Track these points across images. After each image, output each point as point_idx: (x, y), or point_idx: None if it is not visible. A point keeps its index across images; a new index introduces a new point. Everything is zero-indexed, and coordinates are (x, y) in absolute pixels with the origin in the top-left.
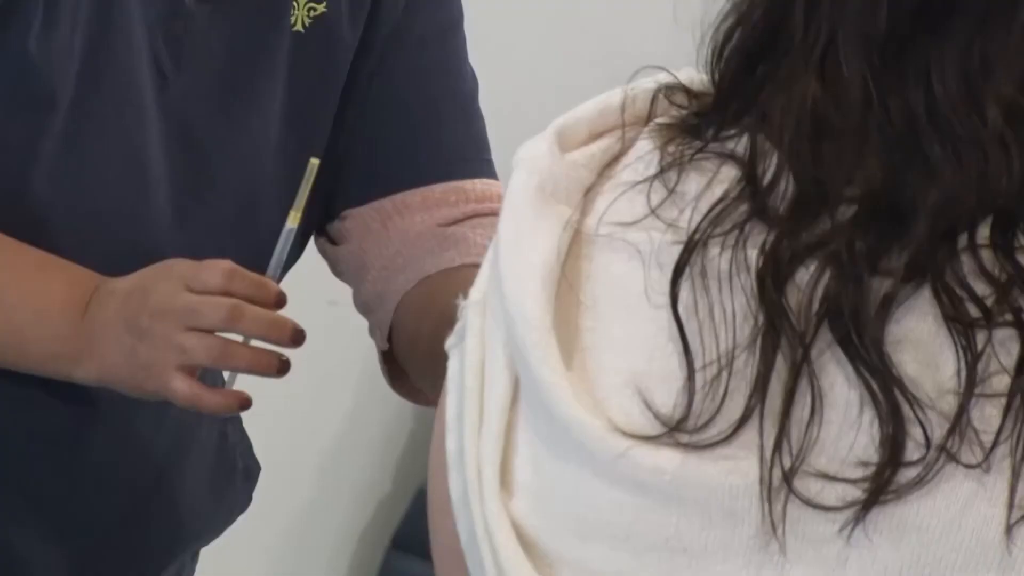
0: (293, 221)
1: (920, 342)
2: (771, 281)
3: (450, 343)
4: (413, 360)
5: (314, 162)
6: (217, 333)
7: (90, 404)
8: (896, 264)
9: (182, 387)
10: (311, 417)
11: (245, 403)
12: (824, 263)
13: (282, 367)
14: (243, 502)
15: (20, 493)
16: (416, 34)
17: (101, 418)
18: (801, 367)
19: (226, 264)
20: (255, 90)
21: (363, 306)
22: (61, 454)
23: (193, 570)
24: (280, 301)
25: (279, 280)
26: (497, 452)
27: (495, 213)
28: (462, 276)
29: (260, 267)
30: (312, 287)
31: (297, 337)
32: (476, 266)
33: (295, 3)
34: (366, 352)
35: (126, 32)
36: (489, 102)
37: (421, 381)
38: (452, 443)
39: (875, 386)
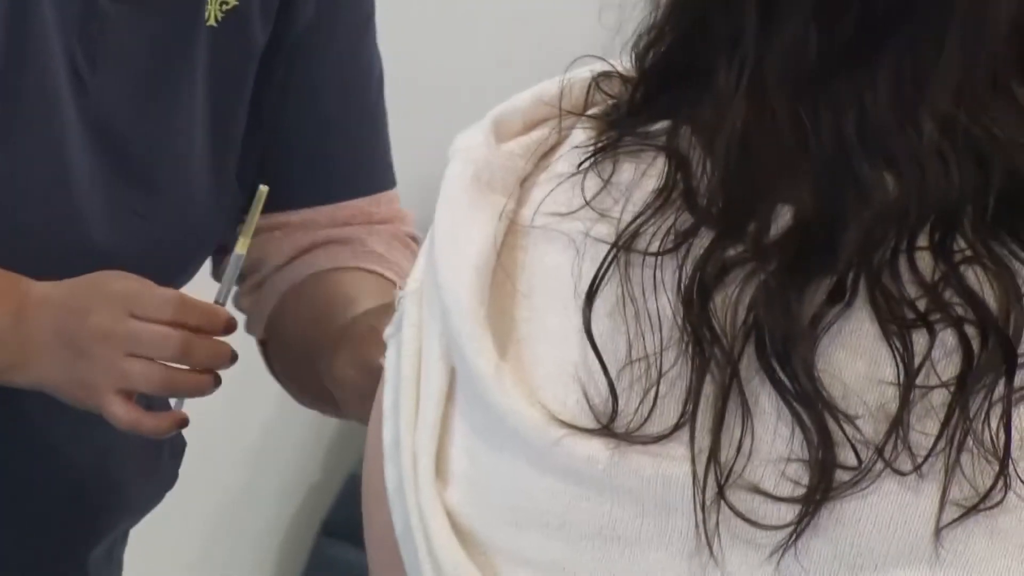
0: (242, 248)
1: (858, 347)
2: (696, 300)
3: (388, 333)
4: (283, 358)
5: (263, 189)
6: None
7: (17, 397)
8: (825, 284)
9: (121, 411)
10: (241, 402)
11: (183, 423)
12: (750, 284)
13: (217, 383)
14: (170, 479)
15: None
16: (327, 37)
17: (29, 396)
18: (730, 386)
19: (174, 294)
20: (174, 87)
21: (248, 295)
22: None
23: (122, 552)
24: (229, 327)
25: (225, 303)
26: (433, 442)
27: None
28: (349, 278)
29: (196, 263)
30: None
31: (234, 359)
32: (367, 272)
33: None
34: None
35: (41, 37)
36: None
37: (286, 382)
38: (388, 433)
39: (803, 414)
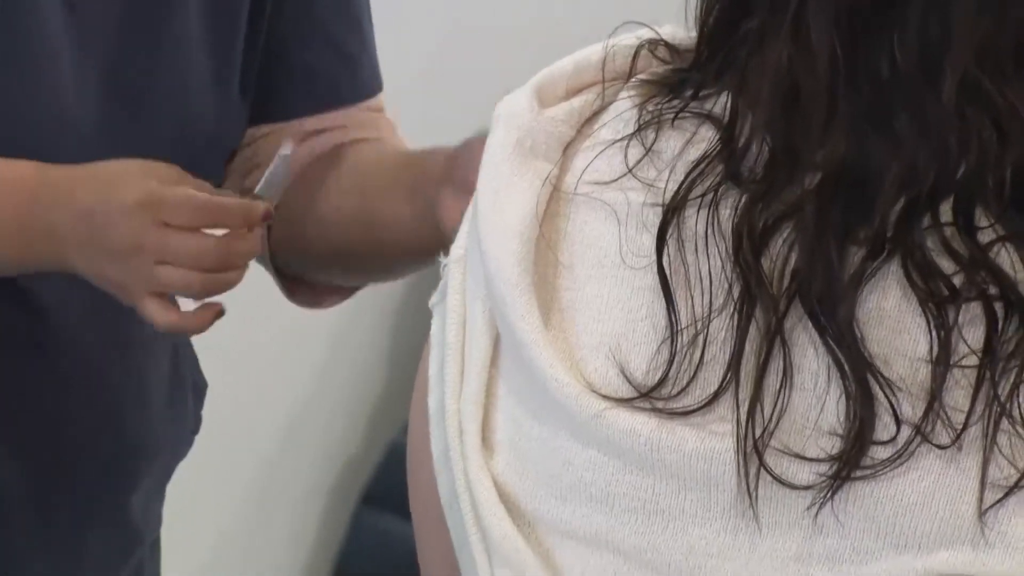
0: (287, 150)
1: (886, 319)
2: (747, 246)
3: (433, 300)
4: (312, 234)
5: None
6: None
7: (47, 320)
8: (863, 238)
9: (158, 313)
10: (280, 370)
11: (221, 313)
12: (794, 233)
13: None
14: (194, 422)
15: None
16: None
17: (60, 333)
18: (775, 337)
19: (202, 199)
20: (166, 9)
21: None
22: (22, 371)
23: (160, 507)
24: (267, 218)
25: (268, 197)
26: (478, 409)
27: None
28: (383, 143)
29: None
30: None
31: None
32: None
33: None
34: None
35: None
36: (462, 54)
37: (308, 264)
38: (433, 401)
39: (844, 363)
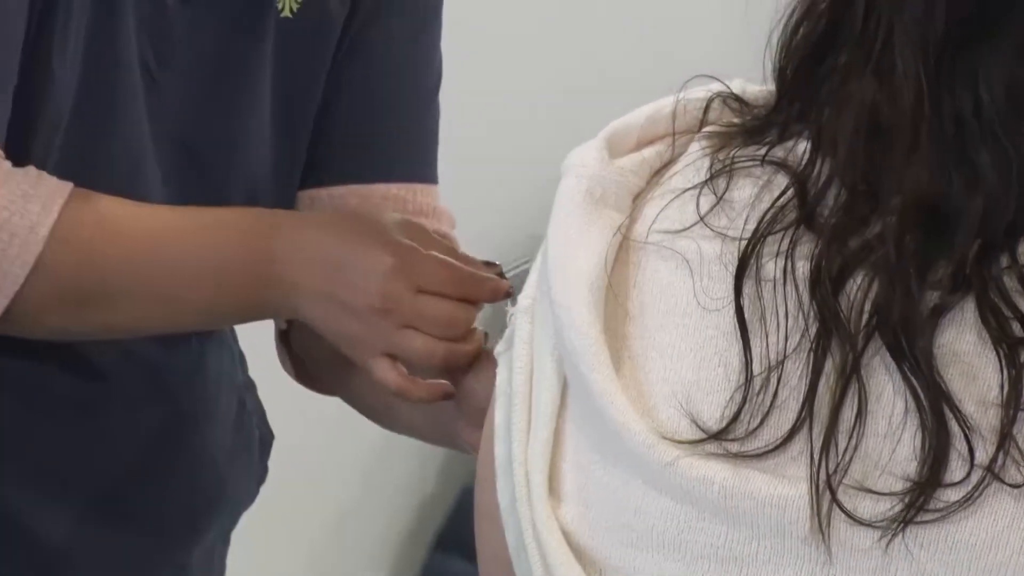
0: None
1: (960, 357)
2: (824, 284)
3: (498, 350)
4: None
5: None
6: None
7: (106, 381)
8: (943, 274)
9: (391, 375)
10: (351, 417)
11: (449, 395)
12: (873, 270)
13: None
14: (260, 472)
15: (41, 463)
16: (388, 18)
17: (118, 394)
18: (852, 374)
19: (453, 268)
20: (244, 82)
21: None
22: (80, 433)
23: (225, 554)
24: (509, 295)
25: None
26: (545, 459)
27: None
28: None
29: None
30: None
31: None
32: None
33: None
34: None
35: (124, 37)
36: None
37: (316, 367)
38: (500, 450)
39: (922, 396)
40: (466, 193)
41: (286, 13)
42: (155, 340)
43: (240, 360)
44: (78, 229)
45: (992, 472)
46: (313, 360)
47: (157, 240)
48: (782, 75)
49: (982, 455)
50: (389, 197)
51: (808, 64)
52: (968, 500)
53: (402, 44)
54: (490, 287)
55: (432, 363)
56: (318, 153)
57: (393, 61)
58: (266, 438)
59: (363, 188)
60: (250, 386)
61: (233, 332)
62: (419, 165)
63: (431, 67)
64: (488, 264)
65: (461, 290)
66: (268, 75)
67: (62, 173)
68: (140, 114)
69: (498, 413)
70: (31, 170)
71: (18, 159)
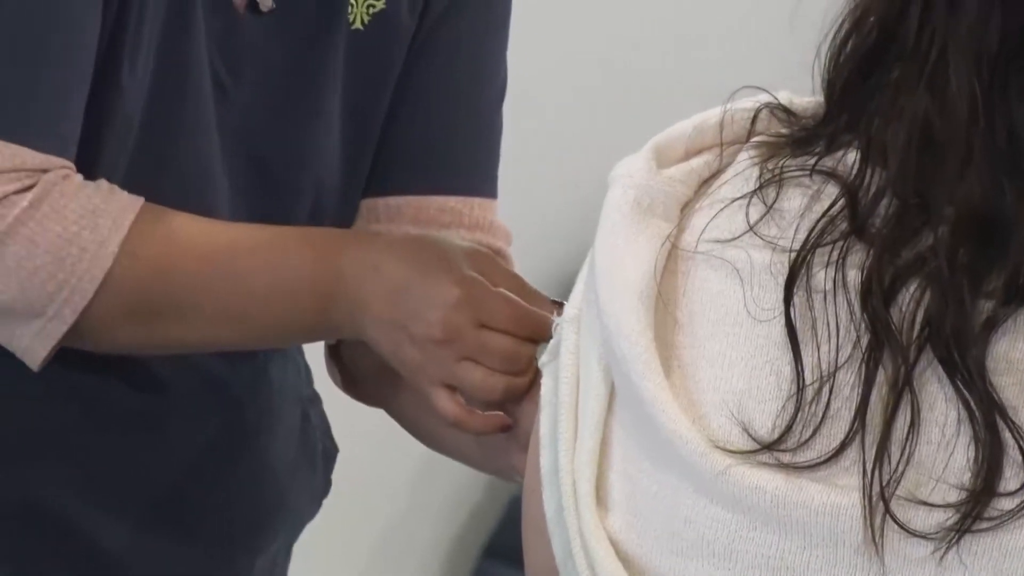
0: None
1: (1015, 365)
2: (876, 296)
3: (543, 360)
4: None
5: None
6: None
7: (167, 392)
8: (996, 285)
9: (449, 406)
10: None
11: (506, 427)
12: (925, 281)
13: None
14: (324, 485)
15: (102, 471)
16: (454, 30)
17: (184, 393)
18: (904, 386)
19: (515, 305)
20: (314, 94)
21: None
22: (143, 446)
23: (286, 568)
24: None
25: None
26: (592, 468)
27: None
28: None
29: None
30: None
31: None
32: None
33: (352, 1)
34: None
35: (195, 48)
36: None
37: (364, 379)
38: (546, 460)
39: (975, 407)
40: (511, 205)
41: (357, 26)
42: (219, 353)
43: (306, 373)
44: (148, 244)
45: None
46: (361, 372)
47: (227, 256)
48: (831, 87)
49: None
50: (446, 209)
51: (857, 77)
52: (1022, 508)
53: (467, 53)
54: (544, 325)
55: (491, 397)
56: (378, 162)
57: (458, 70)
58: (330, 452)
59: (420, 200)
60: (315, 399)
61: (298, 348)
62: (479, 179)
63: (496, 77)
64: (555, 303)
65: (524, 329)
66: (339, 88)
67: (132, 183)
68: (210, 125)
69: (544, 423)
70: (103, 184)
71: (88, 168)
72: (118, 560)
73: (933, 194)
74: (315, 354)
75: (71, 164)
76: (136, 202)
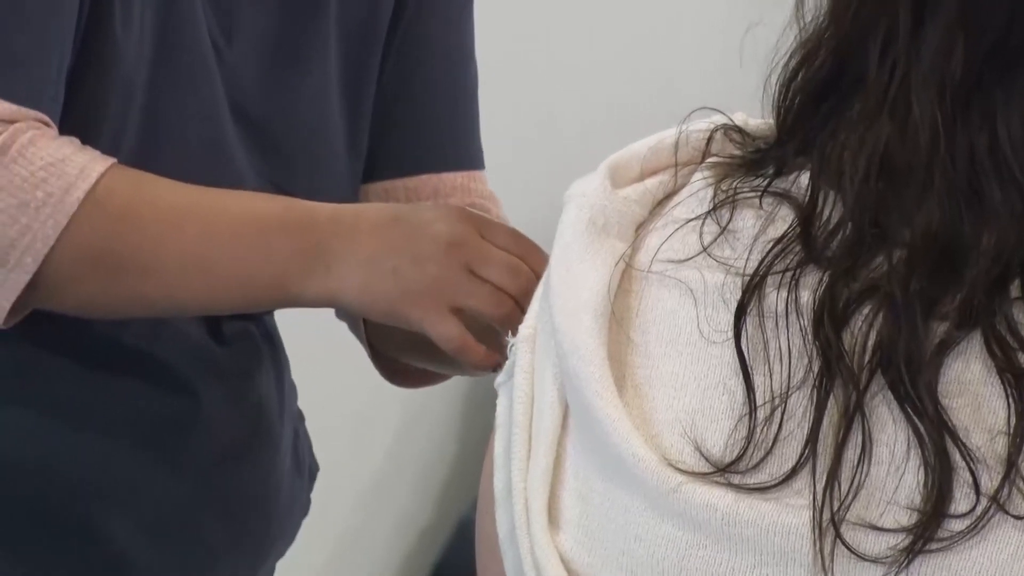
0: None
1: (967, 387)
2: (828, 322)
3: (499, 380)
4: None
5: None
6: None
7: (191, 396)
8: (950, 308)
9: (454, 330)
10: (352, 447)
11: (499, 366)
12: (878, 306)
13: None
14: (307, 503)
15: (119, 476)
16: (437, 6)
17: (199, 414)
18: (855, 410)
19: (519, 234)
20: (305, 56)
21: None
22: (160, 448)
23: None
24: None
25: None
26: (545, 486)
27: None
28: None
29: None
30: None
31: None
32: None
33: None
34: None
35: (192, 10)
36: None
37: (396, 349)
38: (499, 481)
39: (923, 432)
40: None
41: None
42: (238, 361)
43: (292, 390)
44: (115, 195)
45: (997, 502)
46: (397, 350)
47: (195, 205)
48: (783, 113)
49: (988, 486)
50: (457, 186)
51: (809, 104)
52: (972, 530)
53: (447, 37)
54: (545, 258)
55: (496, 315)
56: (390, 144)
57: (440, 55)
58: (313, 469)
59: (423, 179)
60: (301, 416)
61: (287, 362)
62: (477, 152)
63: (472, 57)
64: None
65: (522, 249)
66: (331, 43)
67: (140, 148)
68: (217, 88)
69: (498, 443)
70: (76, 140)
71: (93, 133)
72: (131, 565)
73: (890, 220)
74: (300, 371)
75: (47, 118)
76: (108, 159)
